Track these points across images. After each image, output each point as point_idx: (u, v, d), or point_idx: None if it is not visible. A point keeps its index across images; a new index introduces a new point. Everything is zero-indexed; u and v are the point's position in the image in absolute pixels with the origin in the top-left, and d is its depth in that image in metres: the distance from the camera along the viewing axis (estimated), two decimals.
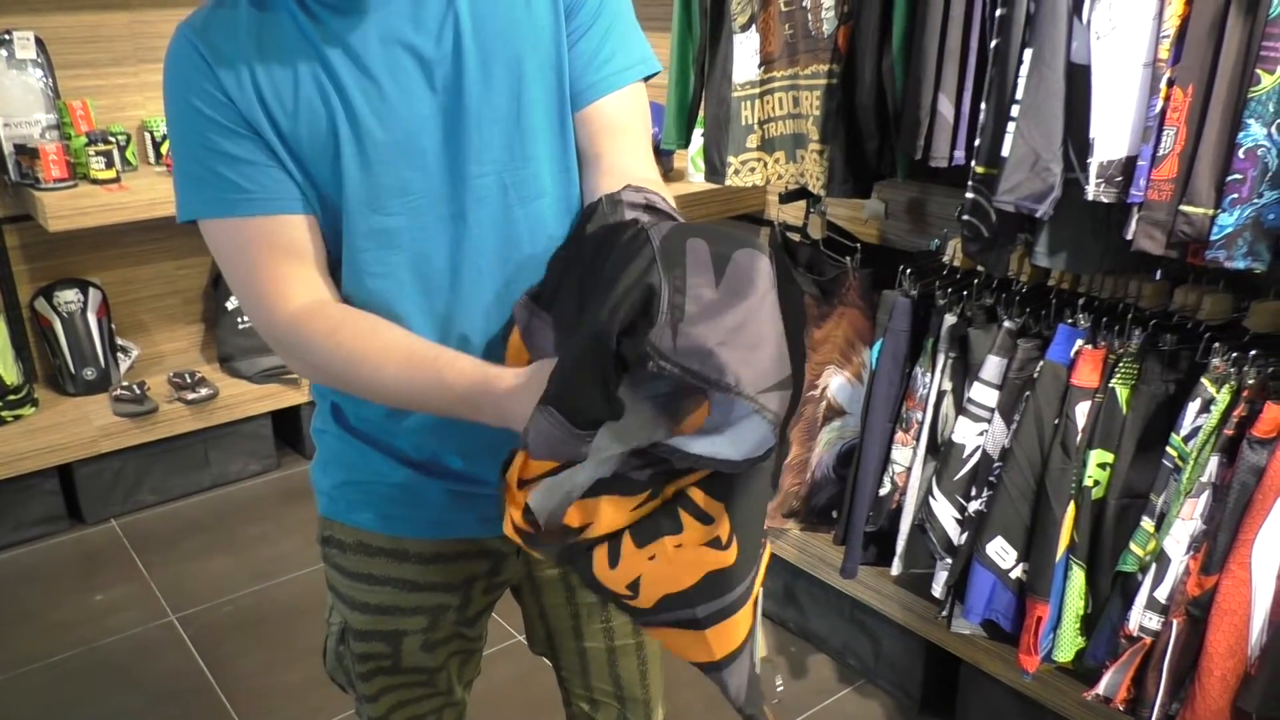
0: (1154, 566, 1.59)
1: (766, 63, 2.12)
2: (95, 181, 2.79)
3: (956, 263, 1.94)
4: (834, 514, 2.20)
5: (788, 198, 2.36)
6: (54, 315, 2.99)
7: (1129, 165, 1.51)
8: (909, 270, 1.99)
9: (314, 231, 1.03)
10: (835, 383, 2.21)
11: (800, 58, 2.05)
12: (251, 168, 0.99)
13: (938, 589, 1.90)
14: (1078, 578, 1.71)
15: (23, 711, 2.21)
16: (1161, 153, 1.47)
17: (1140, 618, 1.60)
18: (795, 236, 2.40)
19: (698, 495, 0.89)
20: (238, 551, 2.82)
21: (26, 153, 2.75)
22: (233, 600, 2.60)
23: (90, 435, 2.84)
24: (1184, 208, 1.46)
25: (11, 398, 2.85)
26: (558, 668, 1.36)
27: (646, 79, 1.15)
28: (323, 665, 1.30)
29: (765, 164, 2.17)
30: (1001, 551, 1.76)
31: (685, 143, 2.66)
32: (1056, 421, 1.70)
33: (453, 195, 1.04)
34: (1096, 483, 1.68)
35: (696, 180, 2.50)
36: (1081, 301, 1.75)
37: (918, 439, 1.96)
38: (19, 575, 2.72)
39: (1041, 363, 1.73)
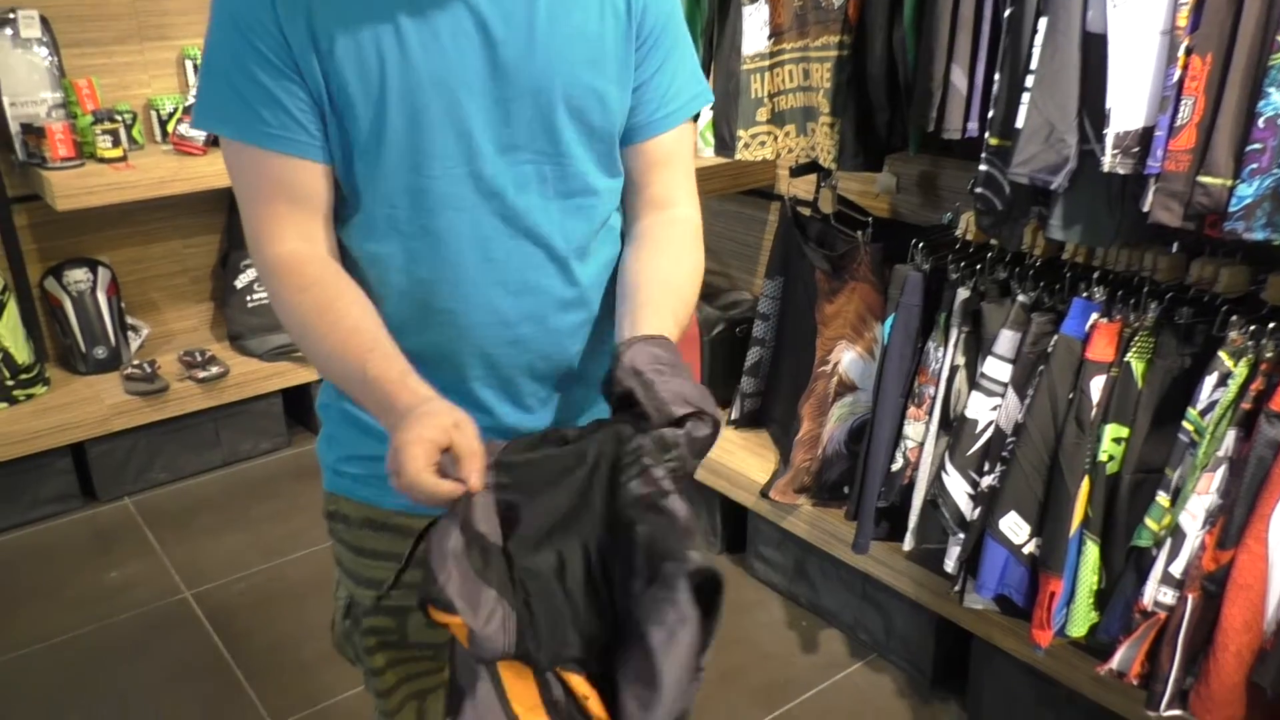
0: (1169, 541, 1.58)
1: (776, 34, 2.09)
2: (102, 160, 2.78)
3: (969, 236, 1.92)
4: (845, 489, 2.19)
5: (798, 171, 2.34)
6: (64, 294, 2.99)
7: (1146, 136, 1.49)
8: (921, 244, 1.97)
9: (326, 182, 1.03)
10: (847, 358, 2.19)
11: (810, 29, 2.03)
12: (283, 110, 0.99)
13: (950, 564, 1.89)
14: (1091, 553, 1.70)
15: (38, 687, 2.23)
16: (1179, 122, 1.45)
17: (1155, 592, 1.59)
18: (806, 211, 2.38)
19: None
20: (250, 529, 2.83)
21: (33, 132, 2.74)
22: (245, 577, 2.61)
23: (102, 414, 2.85)
24: (1202, 178, 1.44)
25: (23, 377, 2.86)
26: None
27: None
28: (331, 639, 1.30)
29: (775, 137, 2.15)
30: (1015, 527, 1.75)
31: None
32: (1071, 396, 1.69)
33: (495, 172, 1.04)
34: (1111, 457, 1.67)
35: (706, 155, 2.48)
36: (1096, 275, 1.73)
37: (930, 414, 1.94)
38: (34, 553, 2.73)
39: (1055, 337, 1.72)
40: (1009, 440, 1.78)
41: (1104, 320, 1.68)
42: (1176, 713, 1.60)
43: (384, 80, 0.99)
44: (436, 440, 0.89)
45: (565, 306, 1.11)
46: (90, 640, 2.38)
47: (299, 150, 1.01)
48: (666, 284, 1.09)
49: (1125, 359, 1.65)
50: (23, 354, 2.85)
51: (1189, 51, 1.43)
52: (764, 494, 2.33)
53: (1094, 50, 1.51)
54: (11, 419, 2.77)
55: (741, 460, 2.46)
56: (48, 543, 2.78)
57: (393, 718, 1.29)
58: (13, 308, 2.85)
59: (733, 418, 2.59)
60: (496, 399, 1.13)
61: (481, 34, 1.00)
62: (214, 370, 3.02)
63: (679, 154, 1.17)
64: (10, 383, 2.82)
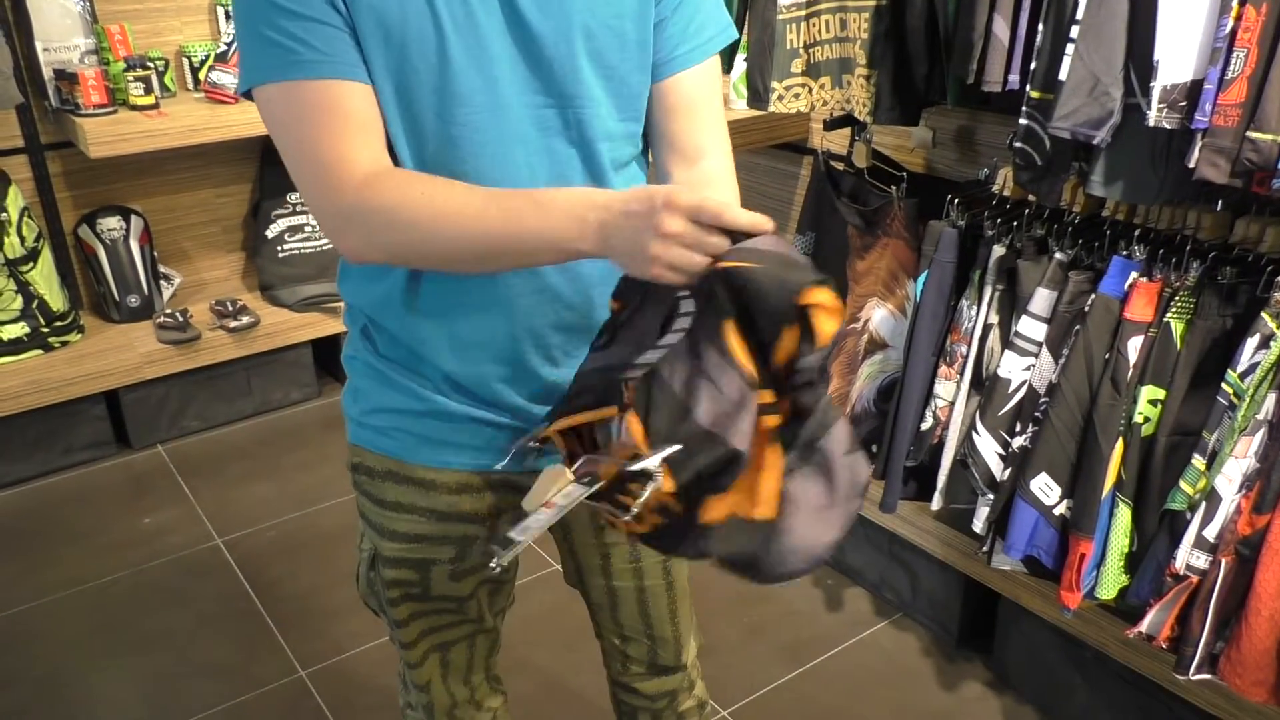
0: (1204, 505, 1.56)
1: None
2: (134, 108, 2.78)
3: (1006, 192, 1.88)
4: (874, 448, 2.18)
5: (832, 125, 2.29)
6: (97, 242, 3.01)
7: (1194, 89, 1.44)
8: (956, 200, 1.93)
9: (375, 103, 0.99)
10: (878, 315, 2.17)
11: None
12: (320, 28, 0.95)
13: (979, 525, 1.88)
14: (1124, 515, 1.68)
15: (74, 629, 2.28)
16: (1230, 76, 1.40)
17: (1187, 556, 1.57)
18: (839, 165, 2.35)
19: None
20: (281, 478, 2.86)
21: (66, 78, 2.74)
22: (276, 525, 2.64)
23: (135, 362, 2.88)
24: (1251, 134, 1.40)
25: (58, 324, 2.89)
26: (588, 602, 1.37)
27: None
28: (356, 590, 1.31)
29: (810, 90, 2.11)
30: (1045, 488, 1.73)
31: (728, 68, 2.59)
32: (1107, 356, 1.66)
33: (520, 117, 1.02)
34: (1146, 419, 1.64)
35: (739, 107, 2.43)
36: (1137, 233, 1.69)
37: (962, 373, 1.92)
38: (69, 498, 2.78)
39: (1093, 296, 1.68)
40: (1042, 400, 1.76)
41: (1144, 279, 1.64)
42: (1205, 676, 1.58)
43: (405, 27, 0.97)
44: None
45: None
46: (124, 585, 2.42)
47: (346, 72, 0.96)
48: None
49: (1165, 319, 1.62)
50: (58, 301, 2.89)
51: (1243, 2, 1.38)
52: None
53: (1143, 0, 1.46)
54: (47, 365, 2.81)
55: None
56: (82, 489, 2.83)
57: (416, 669, 1.31)
58: (47, 255, 2.88)
59: None
60: (525, 352, 1.12)
61: None
62: (245, 320, 3.04)
63: (705, 96, 1.13)
64: (45, 330, 2.86)
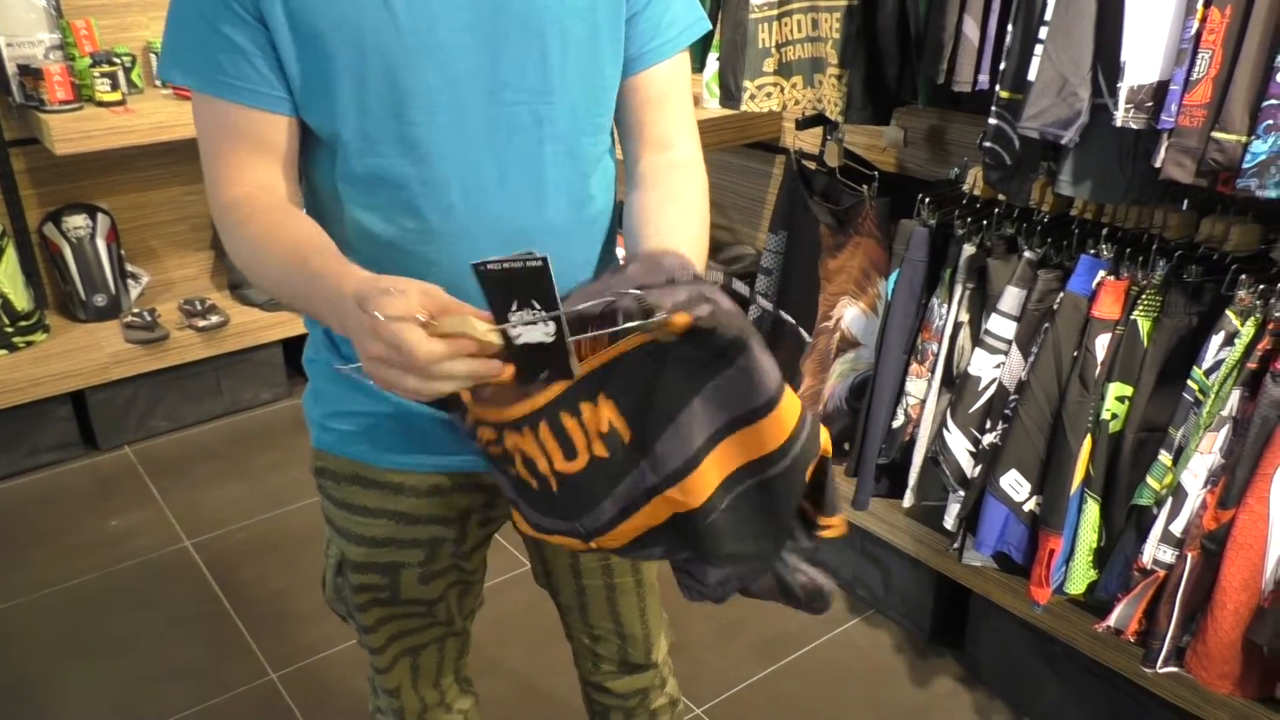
0: (1170, 500, 1.58)
1: None
2: (101, 104, 2.74)
3: (977, 192, 1.90)
4: (845, 446, 2.19)
5: (804, 124, 2.30)
6: (63, 240, 2.97)
7: (1160, 90, 1.46)
8: (927, 199, 1.95)
9: (289, 132, 1.01)
10: (850, 314, 2.18)
11: None
12: (246, 61, 0.96)
13: (949, 521, 1.89)
14: (1092, 511, 1.70)
15: (41, 633, 2.25)
16: (1195, 77, 1.42)
17: (1154, 551, 1.59)
18: (811, 164, 2.36)
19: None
20: (250, 479, 2.84)
21: (30, 73, 2.70)
22: (245, 527, 2.62)
23: (102, 362, 2.85)
24: (1216, 134, 1.41)
25: (23, 324, 2.85)
26: (558, 603, 1.36)
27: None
28: (322, 595, 1.30)
29: (782, 89, 2.11)
30: (1015, 484, 1.75)
31: (700, 66, 2.59)
32: (1075, 354, 1.68)
33: (485, 116, 1.00)
34: (1114, 416, 1.66)
35: (711, 106, 2.44)
36: (1105, 232, 1.71)
37: (933, 371, 1.93)
38: (35, 500, 2.74)
39: (1062, 294, 1.70)
40: (1011, 398, 1.77)
41: (1111, 278, 1.66)
42: (1172, 669, 1.61)
43: (361, 20, 0.95)
44: (423, 307, 0.80)
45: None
46: (92, 588, 2.39)
47: (261, 102, 0.98)
48: (675, 232, 1.04)
49: (1131, 317, 1.64)
50: (22, 301, 2.84)
51: (1208, 4, 1.39)
52: None
53: (1111, 2, 1.48)
54: (11, 366, 2.76)
55: None
56: (49, 490, 2.79)
57: (385, 674, 1.30)
58: (11, 254, 2.83)
59: None
60: None
61: None
62: (214, 319, 3.01)
63: (676, 89, 1.13)
64: (10, 329, 2.82)
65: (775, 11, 2.05)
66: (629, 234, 1.07)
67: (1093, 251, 1.70)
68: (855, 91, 2.01)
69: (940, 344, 1.91)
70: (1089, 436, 1.68)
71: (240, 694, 2.08)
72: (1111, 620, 1.65)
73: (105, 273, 3.02)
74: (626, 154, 1.15)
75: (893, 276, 1.97)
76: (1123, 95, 1.47)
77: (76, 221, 2.98)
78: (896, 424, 2.00)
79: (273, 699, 2.07)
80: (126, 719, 2.02)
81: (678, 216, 1.06)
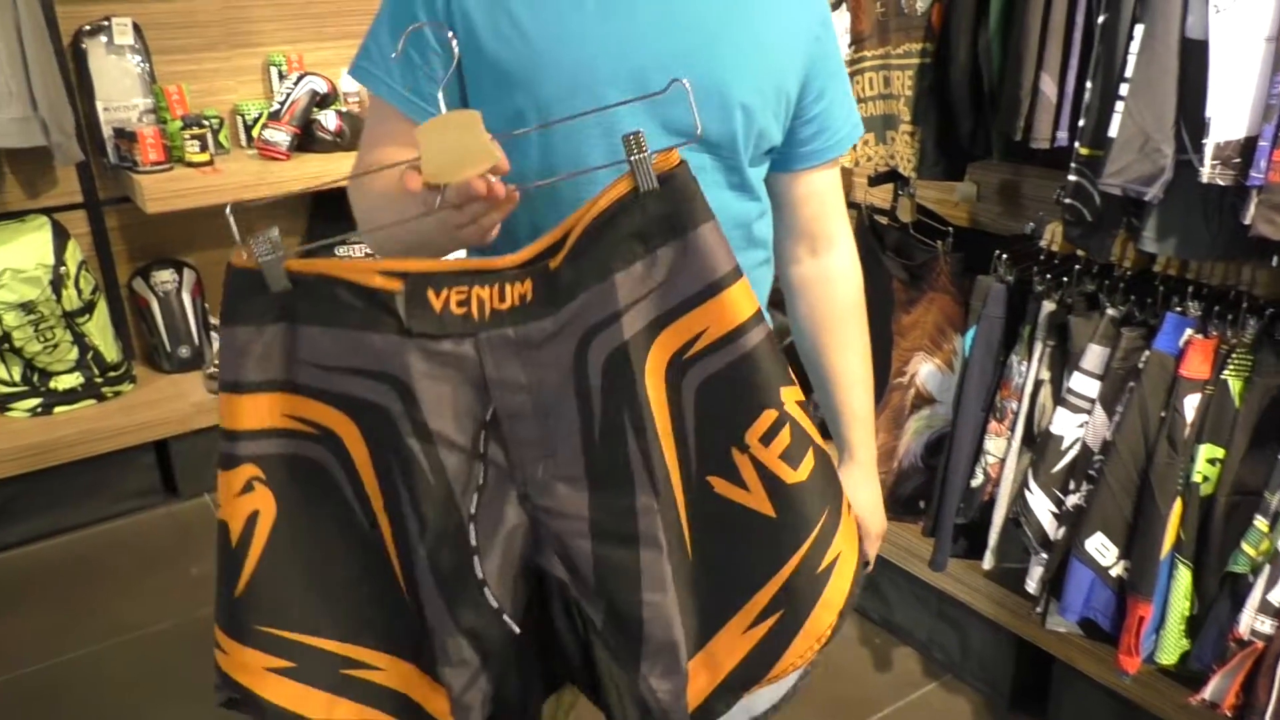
0: (1267, 567, 1.52)
1: (857, 42, 2.07)
2: (190, 164, 2.85)
3: (1054, 247, 1.87)
4: (921, 504, 2.15)
5: (877, 180, 2.30)
6: (151, 295, 3.08)
7: (1248, 146, 1.43)
8: (1004, 255, 1.92)
9: None
10: (924, 370, 2.15)
11: (892, 36, 2.00)
12: (430, 80, 1.02)
13: (1032, 585, 1.84)
14: (1184, 577, 1.64)
15: (122, 677, 2.29)
16: None
17: (1252, 621, 1.53)
18: (883, 220, 2.35)
19: None
20: None
21: (125, 136, 2.82)
22: None
23: (185, 412, 2.93)
24: None
25: (112, 374, 2.95)
26: None
27: None
28: None
29: (855, 146, 2.12)
30: (1101, 548, 1.69)
31: None
32: (1163, 414, 1.63)
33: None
34: (1205, 479, 1.61)
35: None
36: (1190, 289, 1.67)
37: (1013, 429, 1.90)
38: (118, 546, 2.81)
39: (1147, 353, 1.66)
40: (1096, 458, 1.73)
41: (1199, 336, 1.62)
42: None
43: (540, 82, 0.99)
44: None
45: None
46: (171, 634, 2.44)
47: (423, 117, 1.01)
48: (864, 387, 1.25)
49: (1221, 376, 1.59)
50: (111, 352, 2.94)
51: None
52: None
53: (1193, 57, 1.46)
54: (100, 415, 2.85)
55: None
56: (131, 537, 2.86)
57: None
58: (102, 307, 2.94)
59: None
60: None
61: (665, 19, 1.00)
62: None
63: (833, 186, 1.20)
64: (99, 380, 2.91)
65: (848, 70, 2.07)
66: (821, 383, 1.26)
67: (1179, 309, 1.66)
68: (928, 147, 2.00)
69: (1020, 402, 1.88)
70: (1179, 499, 1.63)
71: None
72: (1207, 693, 1.58)
73: (190, 325, 3.12)
74: (778, 241, 1.21)
75: (970, 333, 1.95)
76: (1208, 151, 1.44)
77: (164, 276, 3.09)
78: (975, 483, 1.96)
79: None
80: None
81: (857, 367, 1.25)
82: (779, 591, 0.89)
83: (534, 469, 0.87)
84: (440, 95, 0.91)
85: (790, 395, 0.89)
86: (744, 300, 0.87)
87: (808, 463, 0.89)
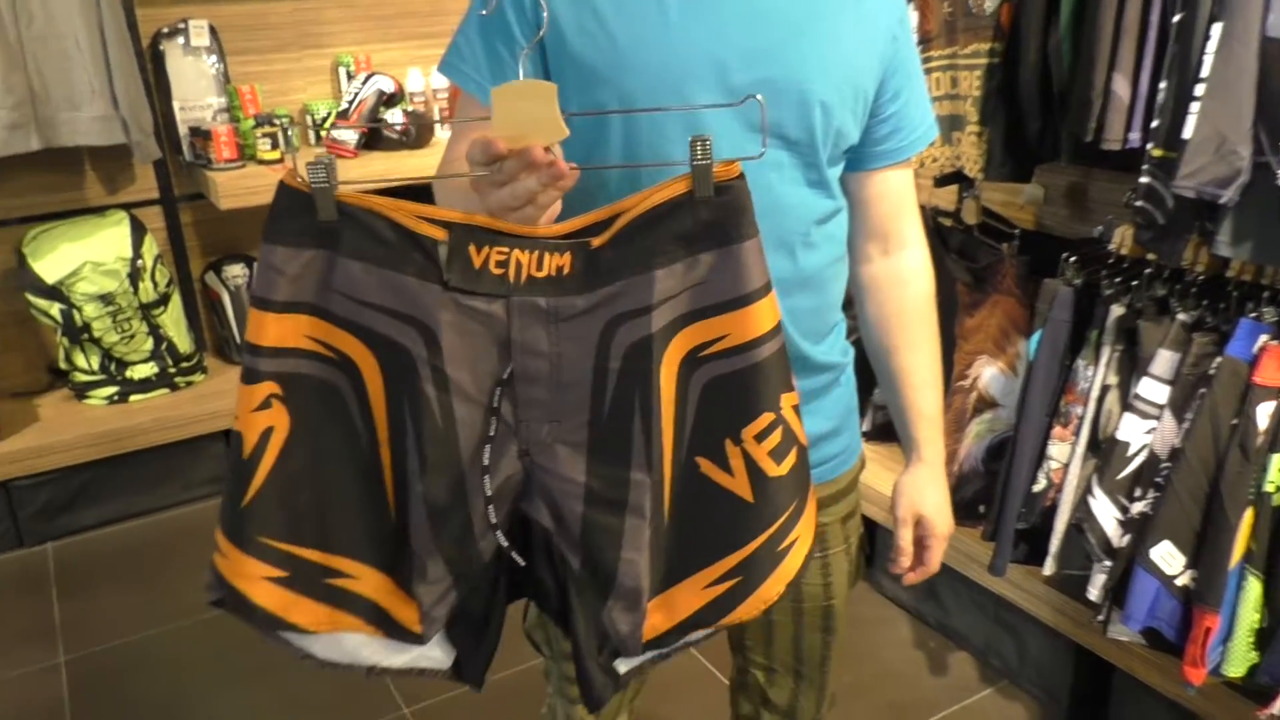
0: None
1: (924, 42, 2.06)
2: (261, 162, 2.93)
3: (1124, 251, 1.84)
4: (981, 509, 2.13)
5: (942, 181, 2.28)
6: (222, 288, 3.16)
7: None
8: (1072, 258, 1.90)
9: None
10: (987, 373, 2.13)
11: (960, 36, 1.98)
12: (512, 74, 1.02)
13: (1094, 592, 1.81)
14: (1254, 588, 1.61)
15: (189, 658, 2.36)
16: None
17: None
18: (947, 221, 2.33)
19: None
20: None
21: (200, 134, 2.90)
22: None
23: None
24: None
25: (184, 365, 3.03)
26: (739, 633, 1.36)
27: None
28: (522, 623, 1.32)
29: None
30: (1168, 556, 1.67)
31: None
32: (1235, 422, 1.60)
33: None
34: (1278, 488, 1.57)
35: None
36: (1266, 294, 1.63)
37: (1077, 434, 1.87)
38: (187, 531, 2.89)
39: (1220, 359, 1.63)
40: (1164, 465, 1.70)
41: (1274, 343, 1.58)
42: None
43: (631, 87, 1.00)
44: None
45: (788, 290, 1.10)
46: (232, 620, 2.49)
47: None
48: (934, 387, 1.25)
49: None
50: (184, 343, 3.03)
51: None
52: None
53: (1273, 57, 1.43)
54: (172, 404, 2.94)
55: (873, 473, 2.42)
56: (200, 523, 2.94)
57: (577, 704, 1.32)
58: (176, 300, 3.03)
59: (865, 429, 2.54)
60: None
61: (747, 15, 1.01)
62: None
63: (907, 186, 1.21)
64: (173, 370, 3.00)
65: None
66: (890, 382, 1.25)
67: (1253, 315, 1.62)
68: (995, 149, 1.98)
69: (1086, 407, 1.85)
70: (1250, 509, 1.59)
71: None
72: (1275, 708, 1.55)
73: None
74: (852, 237, 1.21)
75: (1035, 336, 1.93)
76: None
77: (235, 270, 3.17)
78: (1037, 488, 1.94)
79: None
80: None
81: (929, 367, 1.25)
82: (741, 562, 0.95)
83: (538, 429, 0.91)
84: (521, 65, 0.93)
85: (788, 400, 0.93)
86: (768, 314, 0.90)
87: (790, 460, 0.94)
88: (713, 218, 0.86)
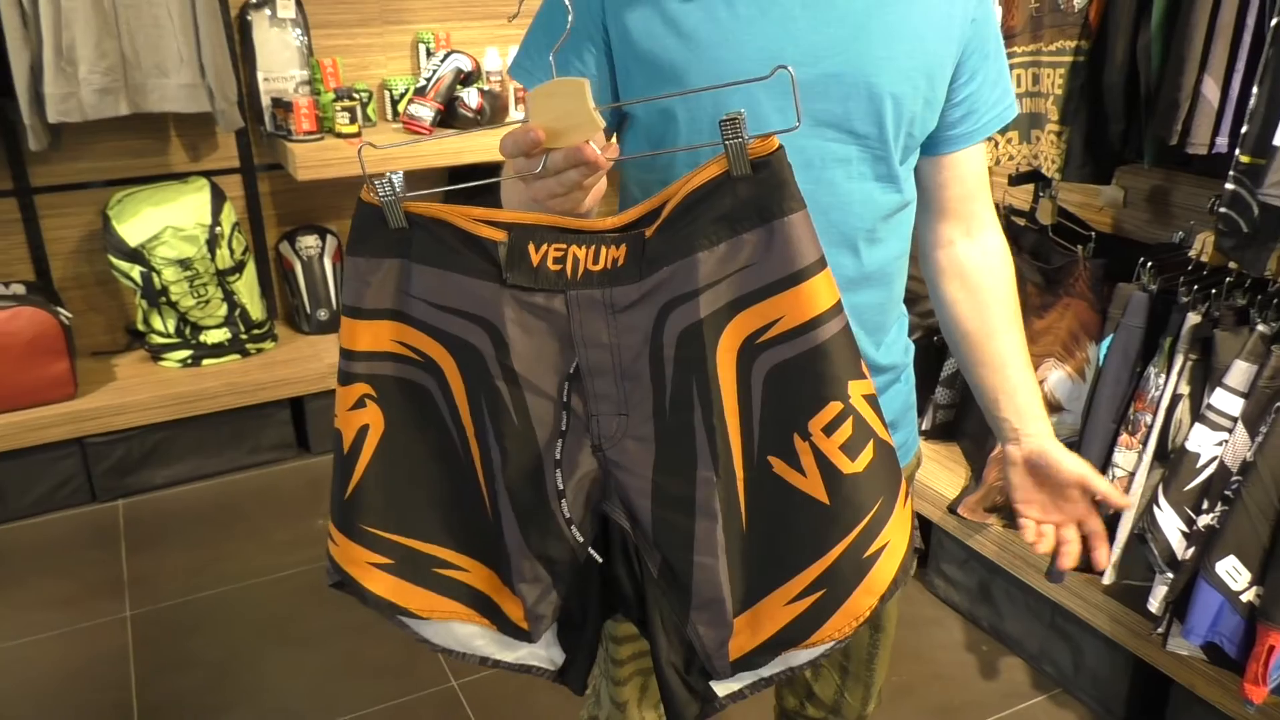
0: None
1: (1007, 37, 2.02)
2: (339, 135, 2.98)
3: (1204, 258, 1.80)
4: None
5: (1018, 180, 2.25)
6: (295, 258, 3.23)
7: None
8: (1149, 263, 1.86)
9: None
10: (1054, 377, 2.10)
11: (1045, 33, 1.95)
12: (573, 74, 1.04)
13: (1155, 604, 1.78)
14: None
15: (250, 618, 2.43)
16: None
17: None
18: (1021, 221, 2.29)
19: None
20: None
21: (282, 106, 2.97)
22: None
23: (320, 372, 3.07)
24: None
25: (256, 332, 3.11)
26: None
27: None
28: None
29: (996, 144, 2.08)
30: (1233, 571, 1.63)
31: None
32: None
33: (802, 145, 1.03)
34: None
35: None
36: None
37: (1145, 443, 1.84)
38: (252, 495, 2.97)
39: None
40: (1234, 479, 1.66)
41: None
42: None
43: (696, 81, 1.01)
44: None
45: (851, 287, 1.09)
46: (298, 580, 2.57)
47: None
48: (1030, 366, 1.20)
49: None
50: (257, 311, 3.11)
51: None
52: (952, 509, 2.27)
53: None
54: (243, 370, 3.02)
55: (930, 472, 2.40)
56: (265, 487, 3.02)
57: (620, 686, 1.32)
58: (251, 268, 3.10)
59: (924, 428, 2.52)
60: None
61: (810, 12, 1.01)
62: None
63: (981, 168, 1.18)
64: (244, 336, 3.08)
65: None
66: (983, 360, 1.20)
67: None
68: (1075, 149, 1.95)
69: (1155, 416, 1.82)
70: None
71: (422, 697, 2.18)
72: None
73: (329, 290, 3.26)
74: (924, 223, 1.19)
75: (1106, 341, 1.89)
76: None
77: (309, 241, 3.24)
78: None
79: (452, 706, 2.16)
80: (318, 708, 2.15)
81: (1020, 346, 1.21)
82: (823, 573, 0.92)
83: (609, 423, 0.92)
84: (552, 60, 0.94)
85: (858, 389, 0.89)
86: (825, 291, 0.87)
87: (866, 455, 0.90)
88: (752, 194, 0.85)
